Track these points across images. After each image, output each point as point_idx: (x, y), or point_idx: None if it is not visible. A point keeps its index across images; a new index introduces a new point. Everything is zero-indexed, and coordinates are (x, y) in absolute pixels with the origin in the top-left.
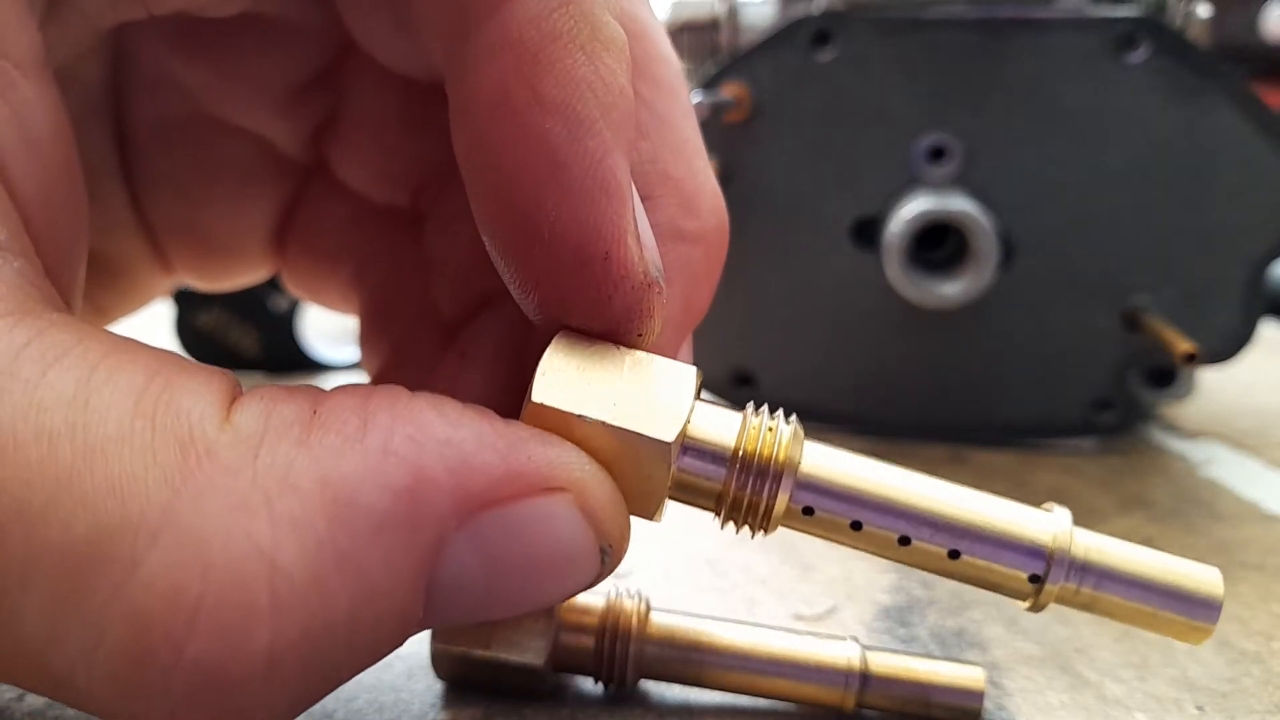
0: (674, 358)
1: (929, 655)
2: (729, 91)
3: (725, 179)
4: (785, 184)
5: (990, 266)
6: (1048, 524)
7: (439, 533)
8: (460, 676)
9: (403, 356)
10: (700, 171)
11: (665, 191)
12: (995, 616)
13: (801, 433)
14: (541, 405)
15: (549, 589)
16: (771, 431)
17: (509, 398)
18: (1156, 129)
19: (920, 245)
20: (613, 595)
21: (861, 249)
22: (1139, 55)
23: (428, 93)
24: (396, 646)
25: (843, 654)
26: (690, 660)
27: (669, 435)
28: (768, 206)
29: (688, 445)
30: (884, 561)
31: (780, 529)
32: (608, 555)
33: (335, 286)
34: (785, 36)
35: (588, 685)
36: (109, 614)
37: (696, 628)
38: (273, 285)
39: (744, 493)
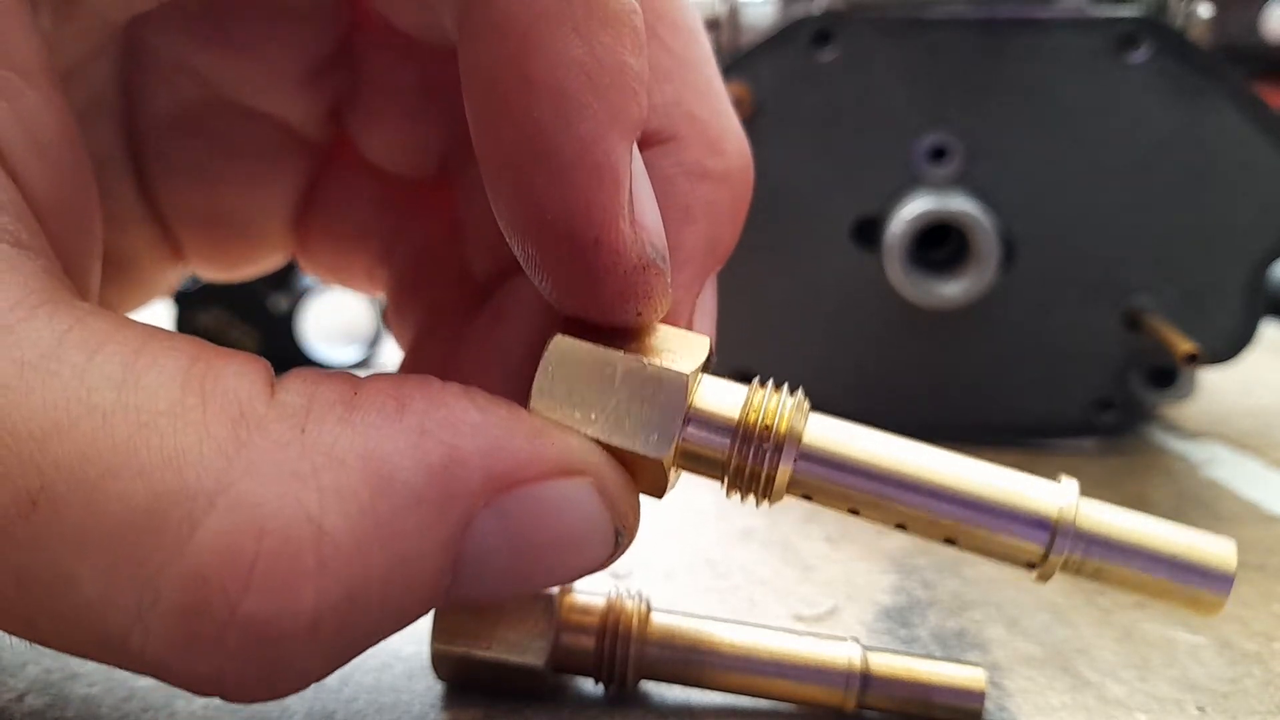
0: (697, 295)
1: (930, 656)
2: (729, 91)
3: None
4: (786, 184)
5: (991, 266)
6: (1054, 494)
7: (469, 508)
8: (460, 677)
9: (436, 322)
10: (724, 113)
11: (691, 131)
12: (996, 617)
13: (807, 405)
14: (564, 340)
15: (567, 566)
16: (776, 403)
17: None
18: (1157, 129)
19: (921, 245)
20: (613, 596)
21: (862, 249)
22: (1140, 55)
23: (446, 56)
24: (424, 614)
25: (843, 654)
26: (691, 661)
27: (661, 453)
28: (768, 206)
29: (693, 417)
30: (885, 562)
31: (787, 499)
32: (621, 536)
33: (360, 264)
34: (786, 36)
35: (588, 686)
36: (167, 574)
37: (697, 628)
38: (272, 285)
39: (747, 462)
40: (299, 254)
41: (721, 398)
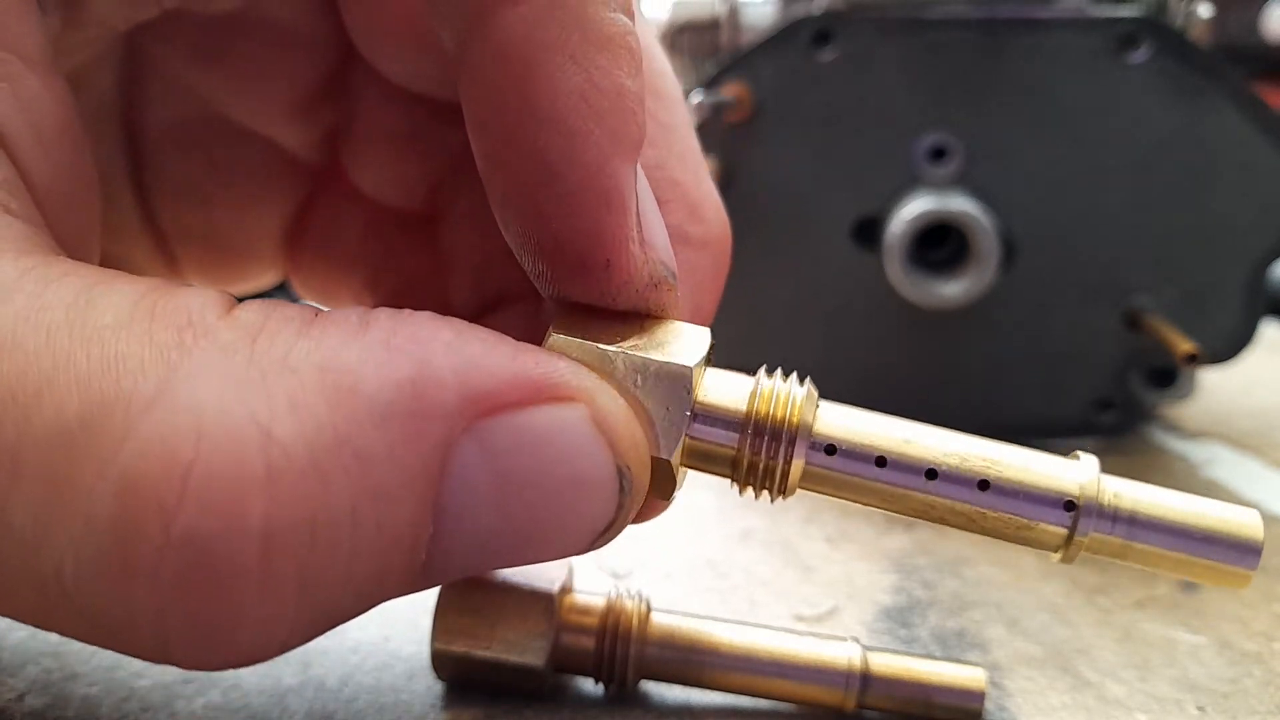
0: None
1: (930, 656)
2: (729, 91)
3: (726, 179)
4: (786, 184)
5: (991, 266)
6: (1075, 472)
7: (445, 431)
8: (461, 677)
9: None
10: (704, 180)
11: (673, 197)
12: (996, 617)
13: (815, 394)
14: (561, 339)
15: (568, 517)
16: (784, 394)
17: None
18: (1158, 129)
19: (921, 245)
20: (613, 596)
21: (862, 249)
22: (1140, 55)
23: (437, 102)
24: (404, 581)
25: (843, 655)
26: (691, 661)
27: (667, 453)
28: (768, 206)
29: (699, 411)
30: (885, 562)
31: (801, 493)
32: (627, 481)
33: (348, 289)
34: (786, 36)
35: (588, 686)
36: (98, 488)
37: (697, 628)
38: (269, 295)
39: (759, 457)
40: (291, 275)
41: (727, 390)
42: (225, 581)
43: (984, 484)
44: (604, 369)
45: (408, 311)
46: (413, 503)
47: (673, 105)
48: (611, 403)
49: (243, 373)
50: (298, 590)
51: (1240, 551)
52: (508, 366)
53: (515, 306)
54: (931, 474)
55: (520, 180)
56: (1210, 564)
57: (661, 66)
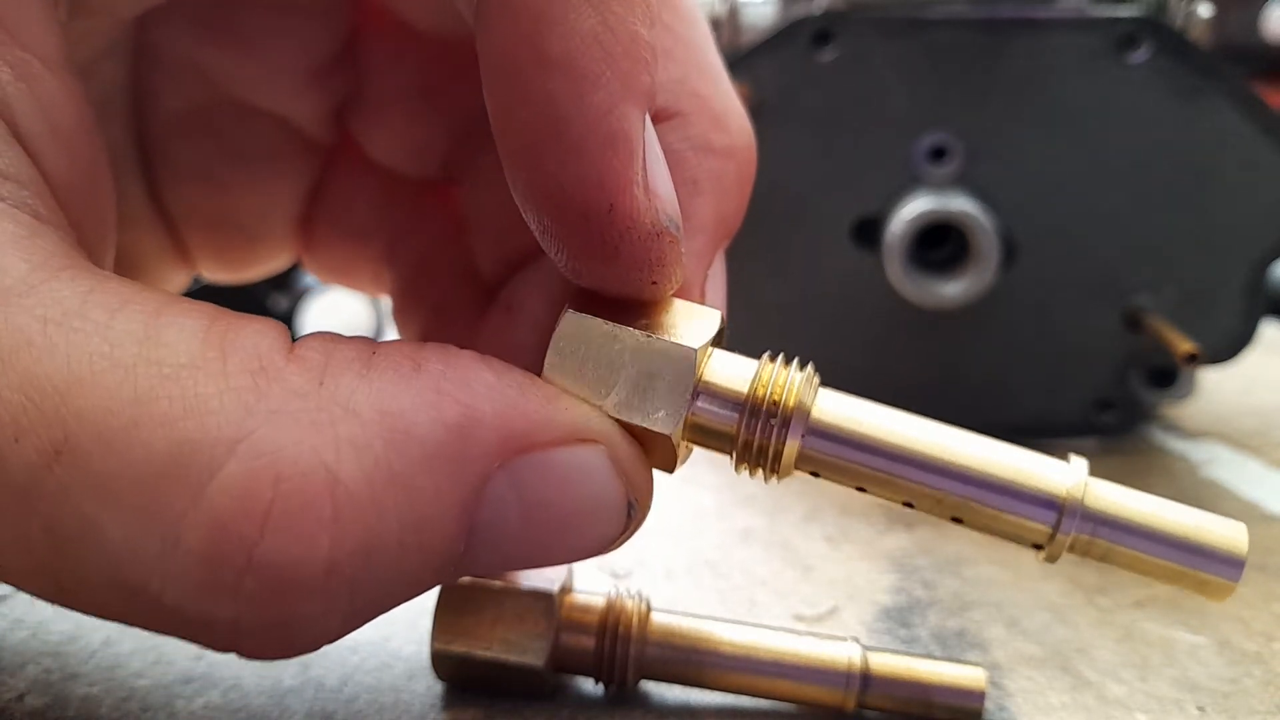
0: (708, 266)
1: (930, 656)
2: None
3: None
4: (786, 184)
5: (991, 266)
6: (1063, 474)
7: (484, 468)
8: (461, 677)
9: (442, 322)
10: (726, 91)
11: (695, 108)
12: (996, 617)
13: (817, 380)
14: (574, 316)
15: (579, 537)
16: (785, 378)
17: None
18: (1157, 129)
19: (921, 245)
20: (613, 596)
21: (862, 249)
22: (1140, 55)
23: (450, 55)
24: (438, 581)
25: (844, 654)
26: (691, 661)
27: (669, 429)
28: (768, 206)
29: (702, 390)
30: (885, 562)
31: (800, 492)
32: (634, 509)
33: (365, 264)
34: (786, 36)
35: (588, 686)
36: (187, 519)
37: (697, 628)
38: (273, 285)
39: (755, 436)
40: (304, 255)
41: (731, 371)
42: (294, 597)
43: (972, 480)
44: (614, 349)
45: (454, 351)
46: (451, 528)
47: (691, 19)
48: (625, 445)
49: (313, 417)
50: (350, 599)
51: (1224, 563)
52: (541, 411)
53: (542, 262)
54: (922, 467)
55: (530, 128)
56: (1193, 573)
57: None
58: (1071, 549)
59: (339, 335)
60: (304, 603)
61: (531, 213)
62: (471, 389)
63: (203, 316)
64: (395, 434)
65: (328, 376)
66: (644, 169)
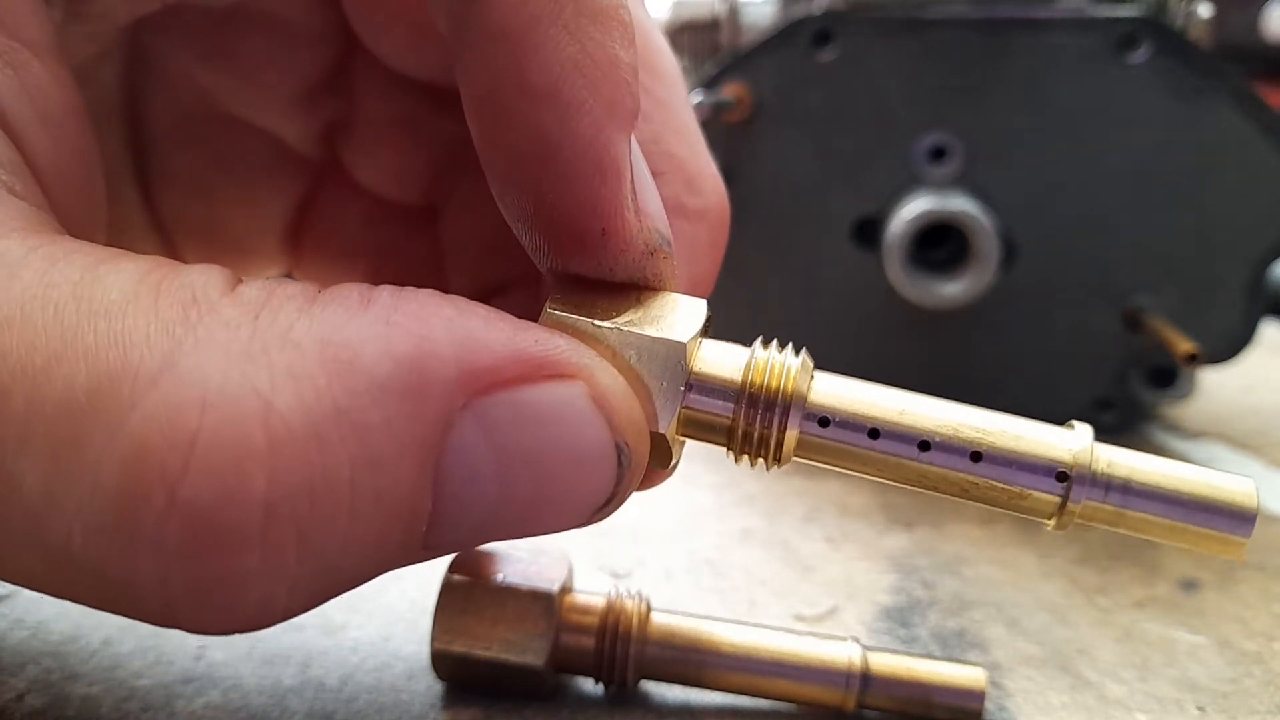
0: None
1: (930, 656)
2: (730, 91)
3: (726, 179)
4: (786, 184)
5: (991, 266)
6: (1068, 439)
7: (444, 407)
8: (461, 677)
9: None
10: (701, 154)
11: (669, 169)
12: (996, 617)
13: (811, 364)
14: (555, 316)
15: (567, 492)
16: (779, 364)
17: None
18: (1157, 129)
19: (921, 245)
20: (613, 596)
21: (862, 249)
22: (1140, 55)
23: (435, 92)
24: (404, 552)
25: (843, 654)
26: (691, 661)
27: (684, 336)
28: (768, 206)
29: (695, 381)
30: (885, 562)
31: (800, 492)
32: (625, 457)
33: (350, 281)
34: (786, 36)
35: (588, 686)
36: (105, 458)
37: (697, 628)
38: None
39: (753, 426)
40: (293, 269)
41: (723, 361)
42: (227, 547)
43: (977, 454)
44: (599, 343)
45: (410, 289)
46: (411, 474)
47: (668, 81)
48: (610, 380)
49: (245, 346)
50: (297, 555)
51: (1234, 519)
52: (508, 344)
53: (515, 293)
54: (925, 444)
55: (517, 155)
56: (1203, 531)
57: (658, 43)
58: (1082, 515)
59: (287, 279)
60: (241, 556)
61: (524, 233)
62: (426, 321)
63: (147, 262)
64: (339, 364)
65: (265, 310)
66: (633, 192)
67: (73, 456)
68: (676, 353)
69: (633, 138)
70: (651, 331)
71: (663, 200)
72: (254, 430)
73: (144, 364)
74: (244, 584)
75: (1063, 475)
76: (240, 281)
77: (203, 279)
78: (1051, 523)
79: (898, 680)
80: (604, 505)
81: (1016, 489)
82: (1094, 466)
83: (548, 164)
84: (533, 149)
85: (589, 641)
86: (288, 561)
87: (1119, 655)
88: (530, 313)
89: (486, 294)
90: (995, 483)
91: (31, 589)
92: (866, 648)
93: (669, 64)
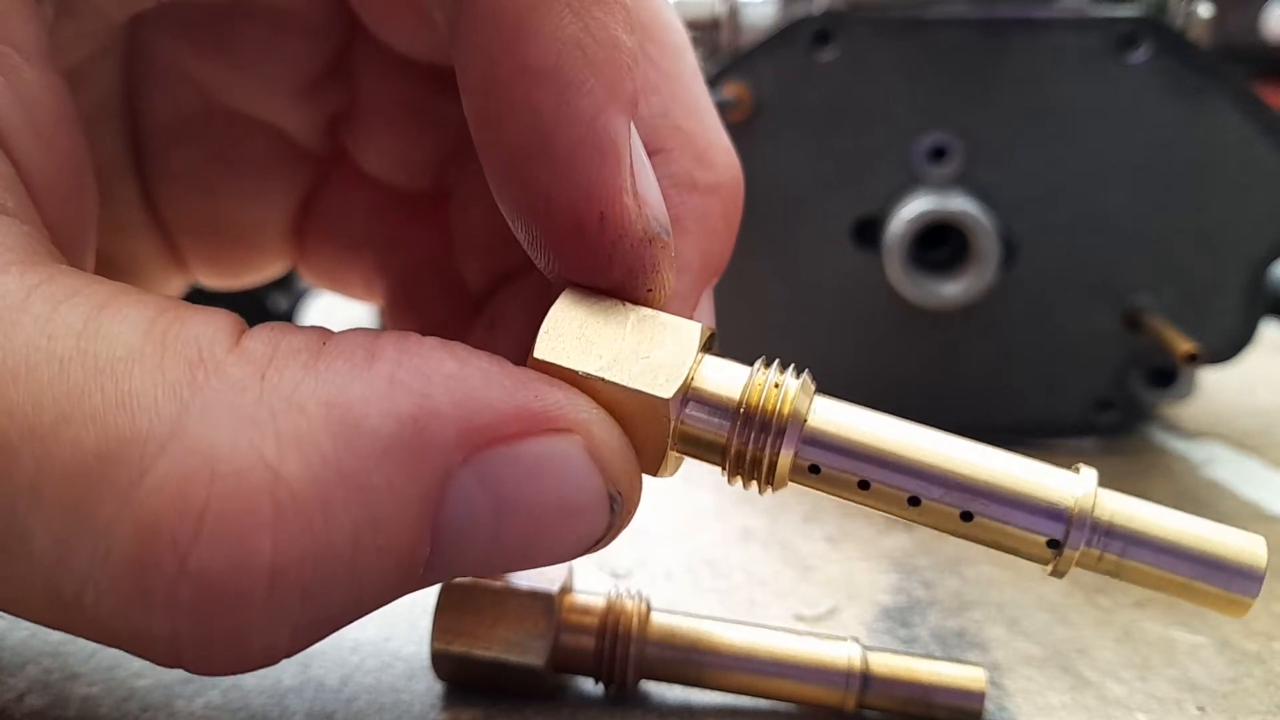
0: (694, 308)
1: (930, 656)
2: (729, 91)
3: None
4: (786, 184)
5: (991, 266)
6: (1071, 484)
7: (444, 464)
8: (461, 677)
9: (431, 331)
10: (712, 126)
11: (678, 144)
12: (996, 617)
13: (812, 386)
14: (542, 362)
15: (559, 537)
16: (779, 385)
17: None
18: (1157, 129)
19: (921, 245)
20: (613, 596)
21: (862, 249)
22: (1140, 55)
23: (439, 76)
24: (402, 590)
25: (844, 654)
26: (691, 661)
27: (667, 392)
28: (768, 206)
29: (692, 397)
30: (885, 562)
31: (789, 493)
32: (617, 504)
33: (357, 273)
34: (786, 36)
35: (588, 686)
36: (117, 523)
37: (697, 628)
38: (273, 285)
39: (748, 447)
40: (298, 262)
41: (723, 378)
42: (235, 608)
43: (974, 493)
44: (613, 321)
45: (414, 340)
46: (411, 528)
47: (676, 53)
48: (605, 432)
49: (252, 412)
50: (300, 608)
51: (1240, 578)
52: (508, 400)
53: (527, 279)
54: (922, 476)
55: (515, 139)
56: (1209, 588)
57: (666, 17)
58: (1080, 562)
59: (292, 325)
60: (247, 614)
61: (519, 224)
62: (428, 378)
63: (150, 308)
64: (343, 427)
65: (271, 369)
66: (632, 176)
67: (84, 520)
68: (691, 329)
69: (632, 126)
70: (639, 385)
71: (674, 175)
72: (261, 500)
73: (152, 430)
74: (249, 635)
75: (1063, 519)
76: (244, 331)
77: (208, 332)
78: (1049, 569)
79: (898, 680)
80: (594, 545)
81: (1014, 530)
82: (1095, 514)
83: (546, 146)
84: (531, 131)
85: (589, 641)
86: (292, 616)
87: (1119, 655)
88: (543, 298)
89: (497, 281)
90: (993, 522)
91: (50, 628)
92: (867, 648)
93: (677, 36)
